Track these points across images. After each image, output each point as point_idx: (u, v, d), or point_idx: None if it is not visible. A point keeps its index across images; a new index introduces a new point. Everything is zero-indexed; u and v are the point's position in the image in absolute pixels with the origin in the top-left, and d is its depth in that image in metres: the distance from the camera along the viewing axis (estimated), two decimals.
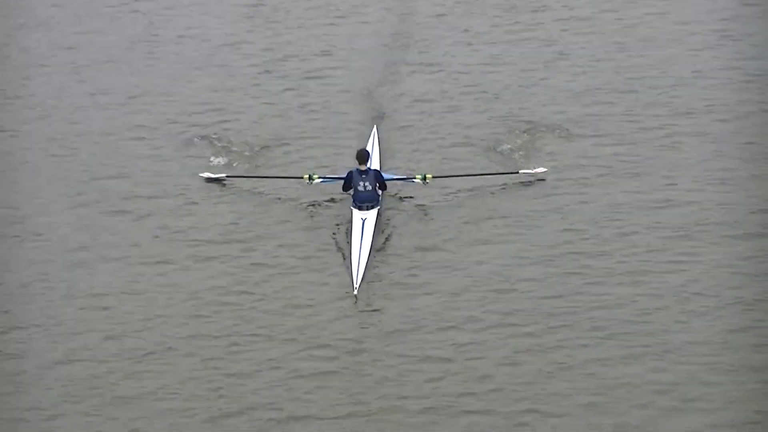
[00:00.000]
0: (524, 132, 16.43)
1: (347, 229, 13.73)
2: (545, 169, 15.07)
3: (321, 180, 14.50)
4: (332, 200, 14.66)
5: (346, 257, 13.23)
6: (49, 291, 13.12)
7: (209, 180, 15.15)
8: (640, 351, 11.64)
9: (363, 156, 13.88)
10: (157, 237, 14.10)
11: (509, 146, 16.04)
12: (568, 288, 12.74)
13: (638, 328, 12.03)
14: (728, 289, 12.69)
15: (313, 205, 14.65)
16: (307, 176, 14.46)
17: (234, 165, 15.77)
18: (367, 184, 13.72)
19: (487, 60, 18.87)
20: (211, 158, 15.93)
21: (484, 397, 11.05)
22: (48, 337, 12.22)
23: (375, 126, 16.19)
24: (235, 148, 16.24)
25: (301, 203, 14.71)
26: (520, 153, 15.87)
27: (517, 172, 15.05)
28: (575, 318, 12.19)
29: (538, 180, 14.99)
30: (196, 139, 16.51)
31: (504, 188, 14.98)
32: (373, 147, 15.34)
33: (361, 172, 13.76)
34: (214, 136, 16.54)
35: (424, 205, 14.54)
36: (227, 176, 15.23)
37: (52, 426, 10.92)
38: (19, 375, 11.58)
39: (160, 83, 18.49)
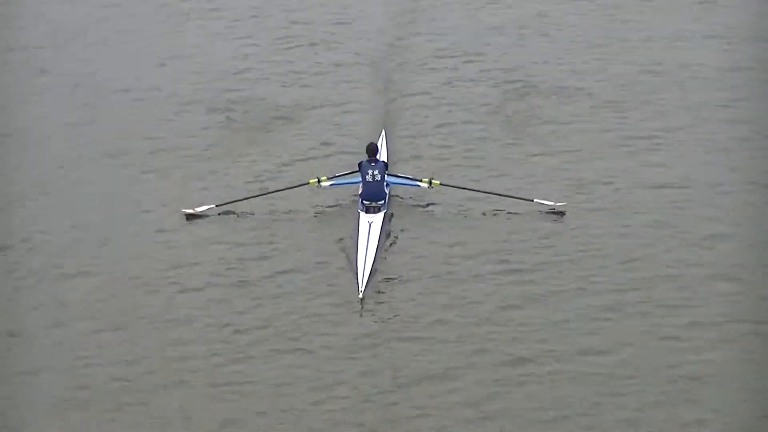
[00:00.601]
0: (523, 97, 17.71)
1: (354, 233, 13.76)
2: (564, 203, 14.25)
3: (331, 183, 14.44)
4: (339, 205, 14.79)
5: (352, 261, 13.25)
6: (83, 239, 14.27)
7: (190, 216, 14.41)
8: (631, 299, 12.57)
9: (372, 150, 14.32)
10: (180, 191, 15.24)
11: (511, 112, 17.21)
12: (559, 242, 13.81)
13: (625, 276, 13.01)
14: (709, 238, 13.78)
15: (320, 209, 14.70)
16: (315, 180, 14.39)
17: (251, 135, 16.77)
18: (375, 172, 14.01)
19: (488, 27, 20.38)
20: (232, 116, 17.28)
21: (483, 337, 12.05)
22: (82, 281, 13.36)
23: (383, 130, 16.39)
24: (252, 114, 17.46)
25: (307, 208, 14.67)
26: (520, 117, 17.05)
27: (531, 200, 14.19)
28: (566, 266, 13.24)
29: (553, 212, 14.25)
30: (219, 102, 17.84)
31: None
32: (381, 150, 15.28)
33: (371, 161, 14.13)
34: (234, 100, 17.88)
35: (430, 210, 14.65)
36: (216, 205, 14.41)
37: (89, 347, 12.13)
38: (59, 307, 12.83)
39: (187, 51, 19.97)
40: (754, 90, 18.12)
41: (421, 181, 14.49)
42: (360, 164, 14.26)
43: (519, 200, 14.25)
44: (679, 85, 17.93)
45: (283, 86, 18.37)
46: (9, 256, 13.84)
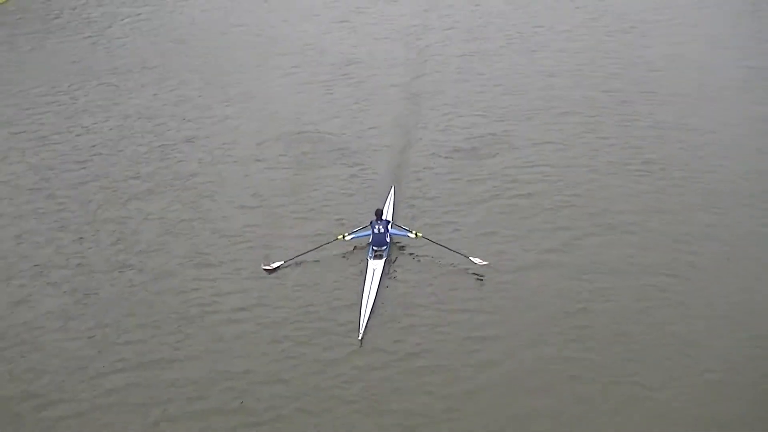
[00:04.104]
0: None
1: (362, 276, 18.61)
2: (486, 262, 18.75)
3: (352, 236, 19.81)
4: (354, 252, 19.76)
5: (357, 305, 17.63)
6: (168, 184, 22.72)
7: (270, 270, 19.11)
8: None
9: (379, 213, 19.76)
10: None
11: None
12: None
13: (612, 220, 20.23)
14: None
15: (343, 256, 19.67)
16: (342, 236, 19.81)
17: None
18: (380, 227, 19.46)
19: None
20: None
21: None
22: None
23: (392, 186, 22.06)
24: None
25: (334, 255, 19.69)
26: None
27: (468, 258, 18.80)
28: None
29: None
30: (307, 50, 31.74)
31: None
32: (388, 204, 21.24)
33: (378, 220, 19.56)
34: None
35: (416, 256, 19.56)
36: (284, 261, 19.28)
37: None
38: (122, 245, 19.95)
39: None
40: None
41: (410, 233, 19.84)
42: (371, 222, 19.80)
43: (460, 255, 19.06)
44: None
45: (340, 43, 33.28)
46: None
